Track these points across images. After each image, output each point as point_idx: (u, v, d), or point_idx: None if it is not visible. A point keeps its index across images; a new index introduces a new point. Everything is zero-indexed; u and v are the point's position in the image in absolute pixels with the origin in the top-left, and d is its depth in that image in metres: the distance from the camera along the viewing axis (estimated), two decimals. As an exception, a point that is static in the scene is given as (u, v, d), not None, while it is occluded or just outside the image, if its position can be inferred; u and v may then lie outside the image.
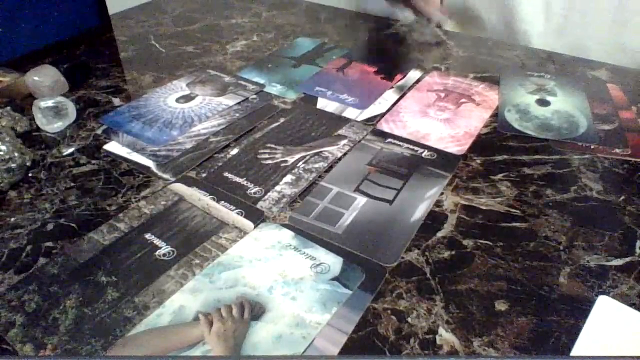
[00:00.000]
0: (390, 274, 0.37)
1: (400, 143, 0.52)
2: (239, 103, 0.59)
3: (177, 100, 0.60)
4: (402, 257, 0.39)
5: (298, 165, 0.49)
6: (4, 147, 0.46)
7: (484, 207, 0.44)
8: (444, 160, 0.49)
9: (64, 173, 0.48)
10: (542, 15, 0.78)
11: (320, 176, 0.47)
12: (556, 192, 0.45)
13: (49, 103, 0.54)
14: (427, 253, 0.39)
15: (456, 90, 0.62)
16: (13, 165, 0.46)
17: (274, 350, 0.32)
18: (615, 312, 0.34)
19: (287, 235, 0.41)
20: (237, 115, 0.57)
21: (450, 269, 0.38)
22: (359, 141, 0.52)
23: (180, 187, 0.46)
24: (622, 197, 0.44)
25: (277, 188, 0.46)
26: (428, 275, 0.37)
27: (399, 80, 0.64)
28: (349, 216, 0.43)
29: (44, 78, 0.59)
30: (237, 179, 0.47)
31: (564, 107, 0.58)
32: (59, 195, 0.46)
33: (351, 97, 0.60)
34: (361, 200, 0.44)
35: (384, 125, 0.55)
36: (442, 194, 0.45)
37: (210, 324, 0.33)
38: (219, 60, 0.70)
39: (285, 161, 0.49)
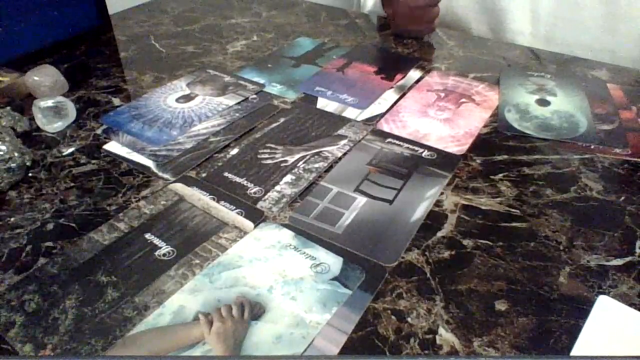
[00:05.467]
0: (390, 274, 0.37)
1: (400, 143, 0.52)
2: (239, 103, 0.59)
3: (177, 100, 0.60)
4: (402, 257, 0.39)
5: (298, 165, 0.49)
6: (4, 147, 0.46)
7: (484, 207, 0.44)
8: (444, 160, 0.49)
9: (64, 173, 0.48)
10: (530, 25, 0.78)
11: (320, 176, 0.47)
12: (556, 192, 0.45)
13: (49, 103, 0.54)
14: (427, 253, 0.39)
15: (456, 90, 0.62)
16: (13, 165, 0.46)
17: (274, 350, 0.32)
18: (615, 312, 0.34)
19: (287, 235, 0.41)
20: (237, 115, 0.57)
21: (450, 269, 0.38)
22: (359, 141, 0.52)
23: (180, 187, 0.46)
24: (622, 197, 0.44)
25: (277, 188, 0.46)
26: (428, 275, 0.37)
27: (399, 80, 0.64)
28: (349, 216, 0.43)
29: (44, 78, 0.59)
30: (237, 179, 0.47)
31: (564, 107, 0.58)
32: (59, 195, 0.46)
33: (351, 97, 0.60)
34: (361, 200, 0.44)
35: (384, 125, 0.55)
36: (442, 193, 0.45)
37: (210, 324, 0.33)
38: (219, 60, 0.70)
39: (285, 161, 0.49)
